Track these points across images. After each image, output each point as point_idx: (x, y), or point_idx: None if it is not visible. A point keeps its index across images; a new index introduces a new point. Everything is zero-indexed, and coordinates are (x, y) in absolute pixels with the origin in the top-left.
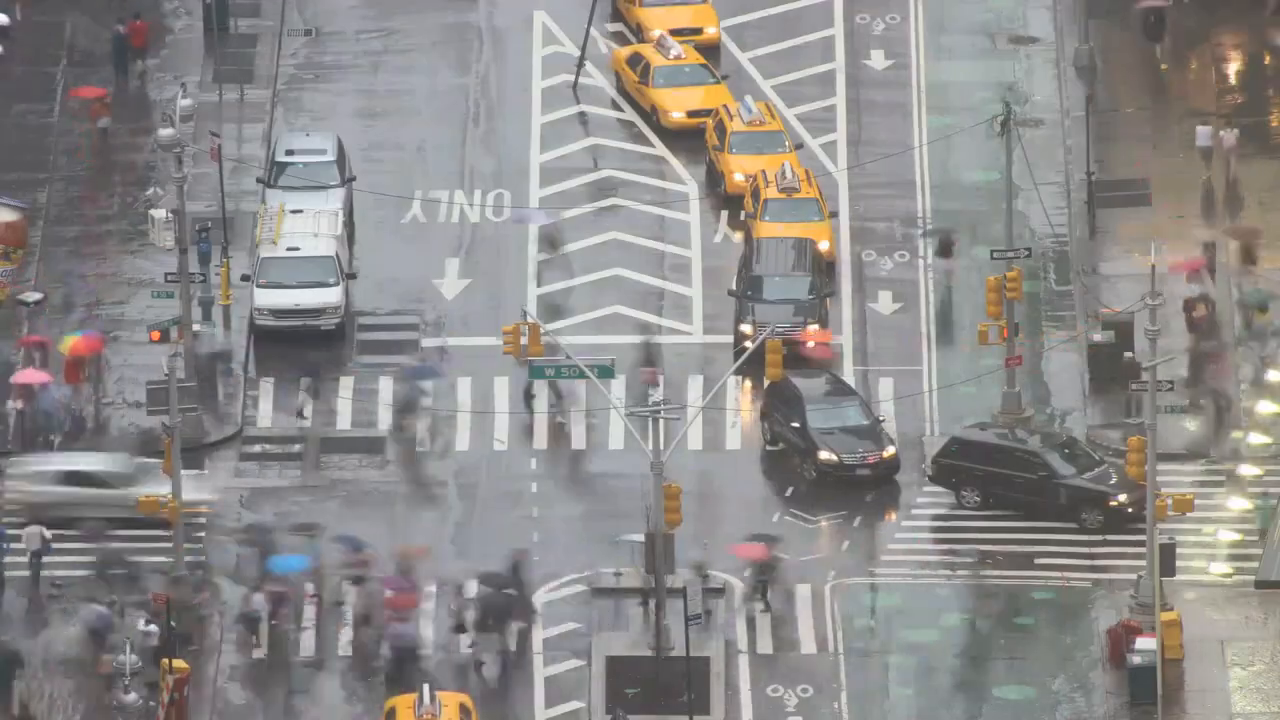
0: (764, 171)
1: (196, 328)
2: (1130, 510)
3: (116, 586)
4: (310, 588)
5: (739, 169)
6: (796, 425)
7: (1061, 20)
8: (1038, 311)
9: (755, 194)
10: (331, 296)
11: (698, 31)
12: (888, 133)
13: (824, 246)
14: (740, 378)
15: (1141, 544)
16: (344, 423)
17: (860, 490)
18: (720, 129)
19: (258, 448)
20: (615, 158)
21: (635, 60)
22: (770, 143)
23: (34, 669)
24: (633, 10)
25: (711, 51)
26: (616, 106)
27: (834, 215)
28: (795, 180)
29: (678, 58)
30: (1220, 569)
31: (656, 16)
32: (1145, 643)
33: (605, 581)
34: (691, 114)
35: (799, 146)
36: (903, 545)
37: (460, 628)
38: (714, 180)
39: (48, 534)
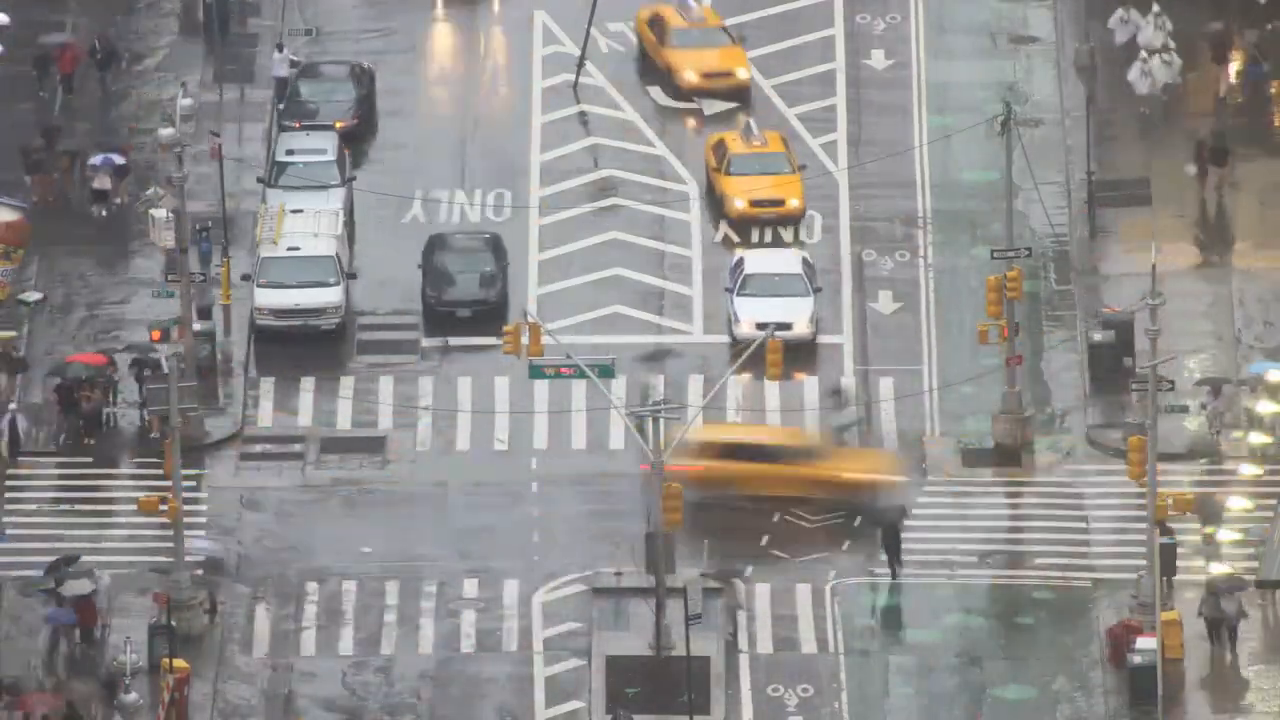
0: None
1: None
2: None
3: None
4: None
5: (739, 193)
6: None
7: (1061, 20)
8: (1038, 311)
9: (720, 150)
10: (332, 296)
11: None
12: (888, 133)
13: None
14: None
15: (1142, 544)
16: (344, 423)
17: None
18: (720, 150)
19: (258, 448)
20: (615, 157)
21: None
22: (773, 164)
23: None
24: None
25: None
26: (616, 106)
27: (803, 168)
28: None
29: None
30: (1220, 569)
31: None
32: (1145, 643)
33: (605, 581)
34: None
35: (803, 168)
36: (903, 545)
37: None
38: (714, 203)
39: None
